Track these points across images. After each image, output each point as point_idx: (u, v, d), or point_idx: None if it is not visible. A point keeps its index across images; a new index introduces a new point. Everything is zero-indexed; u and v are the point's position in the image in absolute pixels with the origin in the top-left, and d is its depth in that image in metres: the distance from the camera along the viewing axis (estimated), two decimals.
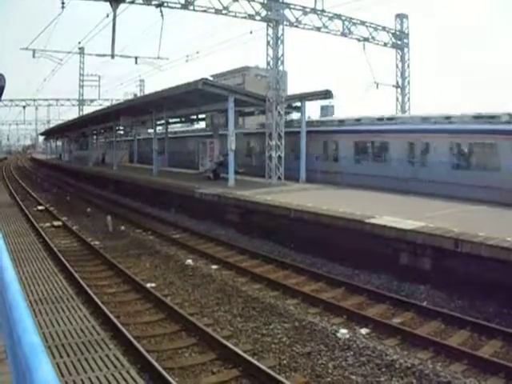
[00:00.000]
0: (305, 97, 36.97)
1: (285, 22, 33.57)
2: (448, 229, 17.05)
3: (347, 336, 12.17)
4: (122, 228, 26.65)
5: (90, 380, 7.83)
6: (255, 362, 10.39)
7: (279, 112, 33.42)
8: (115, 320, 12.67)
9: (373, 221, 18.96)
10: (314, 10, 35.55)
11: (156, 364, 10.16)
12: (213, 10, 31.70)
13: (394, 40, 42.42)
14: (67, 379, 7.81)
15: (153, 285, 16.50)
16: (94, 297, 14.45)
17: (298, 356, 11.17)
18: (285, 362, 10.89)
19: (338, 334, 12.25)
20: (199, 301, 15.12)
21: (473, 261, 15.50)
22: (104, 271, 18.37)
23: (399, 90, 43.70)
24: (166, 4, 30.14)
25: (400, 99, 43.61)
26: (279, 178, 33.70)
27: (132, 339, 11.41)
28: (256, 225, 25.01)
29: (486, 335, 12.54)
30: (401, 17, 42.70)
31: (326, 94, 36.82)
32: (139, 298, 15.31)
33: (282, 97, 33.98)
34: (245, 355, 10.73)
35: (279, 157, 33.62)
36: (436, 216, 19.53)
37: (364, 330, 12.84)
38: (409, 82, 43.78)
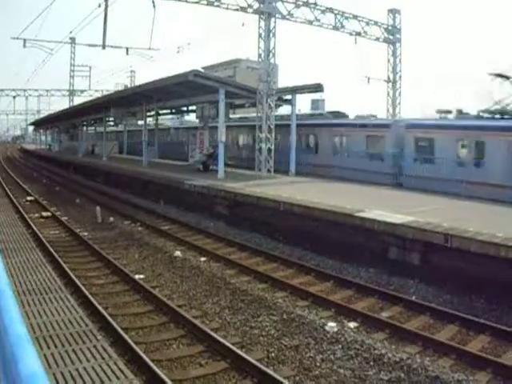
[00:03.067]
0: (296, 90, 36.92)
1: (277, 15, 33.51)
2: (438, 223, 17.08)
3: (335, 329, 12.16)
4: (111, 219, 26.53)
5: (78, 371, 7.77)
6: (243, 355, 10.37)
7: (270, 105, 33.37)
8: (103, 311, 12.62)
9: (362, 214, 18.95)
10: (306, 3, 35.54)
11: (144, 355, 10.12)
12: (205, 2, 31.65)
13: (386, 35, 42.45)
14: (54, 370, 7.75)
15: (141, 276, 16.46)
16: (83, 288, 14.38)
17: (286, 349, 11.16)
18: (273, 354, 10.88)
19: (327, 328, 12.23)
20: (187, 293, 15.09)
21: (462, 256, 15.51)
22: (92, 262, 18.29)
23: (390, 84, 43.71)
24: None
25: (391, 94, 43.62)
26: (269, 170, 33.66)
27: (120, 330, 11.37)
28: (245, 217, 24.97)
29: (475, 330, 12.57)
30: (393, 12, 42.75)
31: (317, 88, 36.85)
32: (127, 290, 15.25)
33: (273, 89, 33.93)
34: (233, 348, 10.70)
35: (269, 149, 33.57)
36: (427, 211, 19.57)
37: (352, 324, 12.83)
38: (400, 77, 43.88)
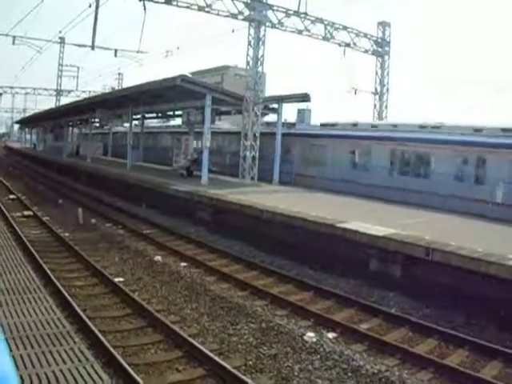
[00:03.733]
0: (282, 99, 36.91)
1: (267, 23, 33.56)
2: (420, 237, 17.12)
3: (314, 339, 12.13)
4: (93, 221, 26.40)
5: (54, 373, 7.66)
6: (221, 362, 10.31)
7: (256, 113, 33.37)
8: (81, 313, 12.53)
9: (344, 225, 18.97)
10: (296, 13, 35.60)
11: (121, 359, 10.05)
12: (196, 7, 31.67)
13: (375, 47, 42.61)
14: (30, 372, 7.63)
15: (121, 279, 16.36)
16: (62, 289, 14.28)
17: (264, 357, 11.11)
18: (251, 362, 10.83)
19: (305, 337, 12.20)
20: (167, 297, 15.01)
21: (443, 270, 15.55)
22: (73, 263, 18.17)
23: (377, 96, 43.87)
24: None
25: (377, 106, 43.76)
26: (252, 178, 33.63)
27: (98, 333, 11.28)
28: (227, 224, 24.91)
29: (454, 344, 12.60)
30: (383, 24, 42.93)
31: (304, 97, 36.80)
32: (107, 292, 15.15)
33: (260, 97, 33.98)
34: (211, 354, 10.64)
35: (253, 157, 33.55)
36: (409, 224, 19.64)
37: (331, 335, 12.80)
38: (387, 90, 44.04)
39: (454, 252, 15.47)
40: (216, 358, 10.50)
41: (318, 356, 11.23)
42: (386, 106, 44.06)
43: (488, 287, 14.49)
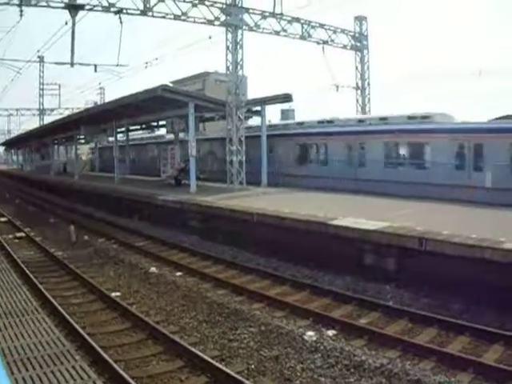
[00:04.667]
0: (265, 101, 36.89)
1: (244, 27, 33.60)
2: (412, 228, 17.18)
3: (314, 338, 12.13)
4: (86, 237, 26.32)
5: None
6: (223, 368, 10.29)
7: (239, 117, 33.40)
8: (81, 330, 12.46)
9: (336, 222, 19.02)
10: (272, 14, 35.62)
11: (123, 373, 10.00)
12: (172, 16, 31.65)
13: (353, 42, 42.71)
14: None
15: (118, 294, 16.32)
16: (59, 308, 14.18)
17: (265, 360, 11.10)
18: (253, 366, 10.81)
19: (305, 337, 12.20)
20: (164, 308, 14.98)
21: (438, 259, 15.59)
22: (68, 282, 18.09)
23: (359, 91, 43.95)
24: (124, 11, 30.06)
25: (360, 101, 43.84)
26: (241, 182, 33.64)
27: (99, 349, 11.23)
28: (219, 230, 24.87)
29: (454, 332, 12.65)
30: (360, 19, 43.04)
31: (286, 98, 36.89)
32: (105, 308, 15.09)
33: (242, 101, 33.99)
34: (212, 361, 10.63)
35: (240, 161, 33.57)
36: (398, 215, 19.70)
37: (331, 332, 12.82)
38: (369, 84, 44.12)
39: (447, 240, 15.54)
40: (218, 365, 10.48)
41: (320, 354, 11.23)
42: (369, 100, 44.13)
43: (484, 272, 14.53)
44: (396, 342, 11.96)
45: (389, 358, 11.05)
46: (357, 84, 43.94)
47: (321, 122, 37.18)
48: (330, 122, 36.33)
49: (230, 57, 33.24)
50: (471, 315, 13.57)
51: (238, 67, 33.37)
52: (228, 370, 10.15)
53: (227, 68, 33.77)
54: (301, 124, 39.22)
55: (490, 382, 10.15)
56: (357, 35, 42.90)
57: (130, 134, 52.98)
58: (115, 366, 10.39)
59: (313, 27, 38.97)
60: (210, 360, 10.69)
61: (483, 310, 13.70)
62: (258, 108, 37.22)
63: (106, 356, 10.90)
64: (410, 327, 13.17)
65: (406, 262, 16.66)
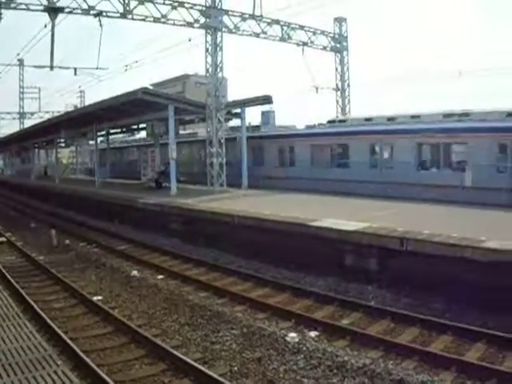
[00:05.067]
0: (244, 103, 36.95)
1: (223, 29, 33.56)
2: (392, 228, 17.22)
3: (296, 340, 12.10)
4: (67, 242, 26.16)
5: None
6: (206, 371, 10.24)
7: (219, 119, 33.36)
8: (63, 335, 12.35)
9: (316, 223, 19.02)
10: (252, 16, 35.58)
11: (106, 377, 9.92)
12: (151, 19, 31.54)
13: (333, 43, 42.78)
14: None
15: (99, 298, 16.21)
16: (41, 312, 14.06)
17: (248, 362, 11.06)
18: (235, 368, 10.77)
19: (288, 338, 12.17)
20: (146, 311, 14.91)
21: (419, 258, 15.63)
22: (50, 286, 17.95)
23: (339, 93, 44.03)
24: (104, 13, 29.91)
25: (340, 102, 43.92)
26: (221, 184, 33.60)
27: (81, 354, 11.14)
28: (200, 233, 24.81)
29: (436, 331, 12.69)
30: (339, 20, 43.09)
31: (266, 100, 36.92)
32: (87, 312, 14.97)
33: (222, 103, 33.97)
34: (195, 364, 10.58)
35: (220, 164, 33.53)
36: (379, 216, 19.74)
37: (313, 333, 12.81)
38: (348, 85, 44.19)
39: (428, 240, 15.58)
40: (201, 367, 10.43)
41: (302, 356, 11.21)
42: (349, 101, 44.21)
43: (465, 271, 14.58)
44: (378, 342, 11.96)
45: (371, 358, 11.04)
46: (337, 85, 43.99)
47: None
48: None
49: (209, 59, 33.17)
50: (453, 314, 13.62)
51: (218, 69, 33.31)
52: (211, 373, 10.10)
53: (207, 70, 33.71)
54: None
55: (472, 381, 10.18)
56: (336, 36, 42.96)
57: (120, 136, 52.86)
58: (98, 370, 10.30)
59: (292, 29, 38.97)
60: (192, 363, 10.64)
61: (465, 308, 13.74)
62: (238, 110, 37.21)
63: (88, 360, 10.81)
64: (392, 327, 13.19)
65: (387, 263, 16.69)
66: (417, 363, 10.91)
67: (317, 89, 43.04)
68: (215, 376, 9.92)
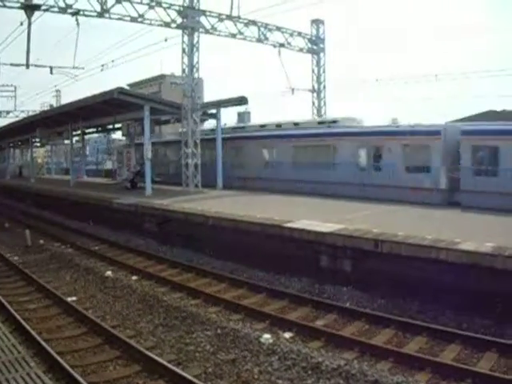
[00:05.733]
0: (220, 104, 36.96)
1: (200, 29, 33.48)
2: (367, 230, 17.25)
3: (271, 341, 12.07)
4: (41, 242, 25.96)
5: None
6: (180, 372, 10.19)
7: (195, 120, 33.29)
8: (37, 336, 12.25)
9: (291, 225, 19.02)
10: (229, 17, 35.50)
11: (81, 379, 9.83)
12: (128, 18, 31.37)
13: (309, 45, 42.82)
14: None
15: (74, 298, 16.10)
16: (15, 313, 13.95)
17: (222, 363, 11.03)
18: (210, 370, 10.73)
19: (262, 340, 12.13)
20: (121, 312, 14.83)
21: (394, 260, 15.67)
22: (24, 287, 17.78)
23: (315, 94, 44.08)
24: (81, 12, 29.72)
25: (316, 103, 43.97)
26: (196, 185, 33.52)
27: (55, 355, 11.03)
28: (175, 233, 24.73)
29: (411, 332, 12.76)
30: (317, 22, 43.14)
31: (242, 101, 36.88)
32: (61, 313, 14.86)
33: (198, 104, 33.91)
34: (169, 365, 10.53)
35: (196, 164, 33.45)
36: (354, 218, 19.79)
37: (288, 334, 12.82)
38: (324, 87, 44.26)
39: (402, 242, 15.63)
40: (175, 369, 10.38)
41: (277, 357, 11.18)
42: (325, 103, 44.29)
43: (440, 273, 14.65)
44: (353, 344, 12.00)
45: (346, 359, 11.05)
46: (313, 87, 44.05)
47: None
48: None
49: (186, 59, 33.11)
50: (428, 316, 13.69)
51: (194, 70, 33.26)
52: (185, 374, 10.05)
53: (183, 71, 33.66)
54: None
55: (447, 381, 10.26)
56: (313, 38, 43.01)
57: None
58: (72, 371, 10.21)
59: (269, 30, 38.93)
60: (166, 364, 10.60)
61: (440, 310, 13.84)
62: (214, 111, 37.14)
63: (62, 362, 10.71)
64: (367, 328, 13.25)
65: (362, 264, 16.71)
66: (392, 364, 10.96)
67: (292, 90, 43.10)
68: (189, 377, 9.89)
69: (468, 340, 12.07)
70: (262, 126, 39.38)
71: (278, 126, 37.97)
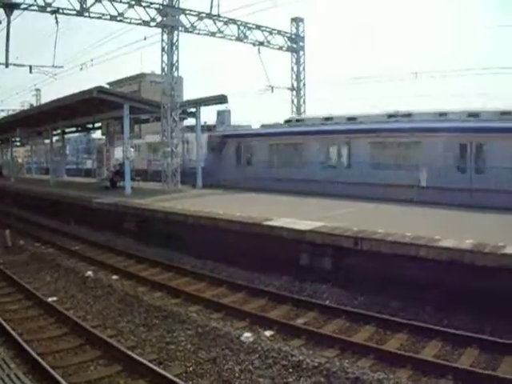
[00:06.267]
0: (200, 102, 36.97)
1: (180, 28, 33.45)
2: (347, 227, 17.30)
3: (251, 339, 12.06)
4: (21, 242, 25.70)
5: None
6: (161, 371, 10.17)
7: (174, 118, 33.24)
8: (18, 337, 12.14)
9: (270, 223, 19.06)
10: (209, 15, 35.53)
11: (62, 380, 9.77)
12: (108, 17, 31.33)
13: (289, 43, 42.88)
14: None
15: (54, 299, 15.95)
16: None
17: (203, 362, 11.00)
18: (191, 369, 10.70)
19: (242, 338, 12.12)
20: (101, 312, 14.73)
21: (374, 257, 15.74)
22: (4, 288, 17.58)
23: (295, 92, 44.15)
24: (61, 10, 29.61)
25: (295, 101, 44.04)
26: (176, 184, 33.48)
27: (36, 356, 10.95)
28: (154, 233, 24.65)
29: (392, 329, 12.82)
30: (297, 20, 43.23)
31: (221, 99, 36.92)
32: (42, 314, 14.70)
33: (177, 103, 33.87)
34: (150, 365, 10.50)
35: (176, 163, 33.44)
36: (335, 215, 19.86)
37: (268, 333, 12.83)
38: (304, 85, 44.34)
39: (382, 239, 15.70)
40: (156, 368, 10.35)
41: (257, 355, 11.16)
42: (304, 101, 44.36)
43: (420, 270, 14.73)
44: (334, 341, 12.03)
45: (327, 357, 11.06)
46: (292, 85, 44.11)
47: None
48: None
49: (165, 58, 33.07)
50: (409, 313, 13.76)
51: (174, 68, 33.23)
52: (166, 374, 10.03)
53: (162, 69, 33.61)
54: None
55: (428, 377, 10.33)
56: (293, 36, 43.07)
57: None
58: (53, 372, 10.15)
59: (249, 28, 39.01)
60: (147, 364, 10.56)
61: (421, 307, 13.92)
62: (194, 109, 37.12)
63: (43, 363, 10.63)
64: (348, 326, 13.28)
65: (342, 262, 16.76)
66: (373, 361, 11.01)
67: (272, 88, 43.15)
68: (170, 377, 9.85)
69: (449, 336, 12.15)
70: (327, 119, 35.30)
71: (352, 118, 33.48)
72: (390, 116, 30.96)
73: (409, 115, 30.26)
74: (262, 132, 37.65)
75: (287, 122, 38.80)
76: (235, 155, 38.52)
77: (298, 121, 38.11)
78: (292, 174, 31.77)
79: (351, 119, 32.74)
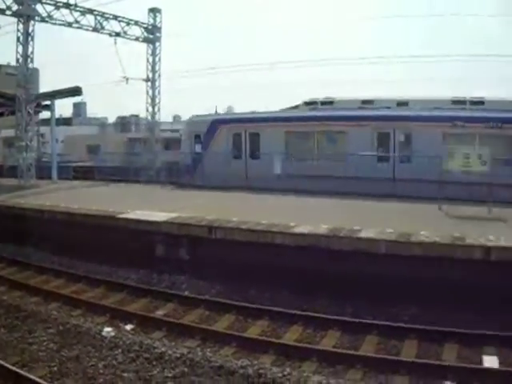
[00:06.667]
0: (54, 95, 36.22)
1: (36, 17, 32.55)
2: (202, 217, 17.63)
3: (112, 334, 12.15)
4: None
5: None
6: (25, 374, 10.02)
7: (29, 112, 32.47)
8: None
9: (124, 216, 19.24)
10: (66, 5, 34.64)
11: None
12: None
13: (146, 34, 42.57)
14: None
15: None
16: None
17: (67, 361, 10.93)
18: (55, 368, 10.59)
19: (103, 333, 12.16)
20: None
21: (229, 246, 16.15)
22: None
23: (150, 83, 43.94)
24: None
25: (150, 93, 43.86)
26: (31, 178, 32.80)
27: None
28: (10, 230, 23.94)
29: (252, 317, 13.27)
30: (154, 11, 42.93)
31: (76, 91, 36.30)
32: None
33: (32, 95, 33.05)
34: (13, 368, 10.30)
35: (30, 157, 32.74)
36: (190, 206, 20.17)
37: (129, 326, 13.07)
38: (159, 76, 44.14)
39: (236, 227, 16.13)
40: (19, 371, 10.18)
41: (120, 350, 11.25)
42: (159, 92, 44.26)
43: (277, 256, 15.24)
44: (195, 331, 12.38)
45: (189, 347, 11.40)
46: (147, 76, 43.89)
47: None
48: None
49: (20, 49, 32.13)
50: (268, 299, 14.35)
51: (29, 60, 32.35)
52: (31, 376, 9.92)
53: (17, 60, 32.63)
54: None
55: (291, 361, 10.81)
56: (150, 27, 42.80)
57: None
58: None
59: (106, 19, 38.38)
60: (10, 367, 10.35)
61: (279, 293, 14.55)
62: (48, 102, 36.34)
63: None
64: (208, 315, 13.67)
65: (198, 252, 17.11)
66: (235, 349, 11.43)
67: (127, 79, 42.75)
68: (35, 379, 9.75)
69: (310, 320, 12.75)
70: (366, 102, 30.42)
71: (402, 103, 29.14)
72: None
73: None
74: (277, 116, 32.59)
75: (308, 104, 32.70)
76: (233, 146, 32.52)
77: (323, 104, 31.91)
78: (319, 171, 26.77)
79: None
